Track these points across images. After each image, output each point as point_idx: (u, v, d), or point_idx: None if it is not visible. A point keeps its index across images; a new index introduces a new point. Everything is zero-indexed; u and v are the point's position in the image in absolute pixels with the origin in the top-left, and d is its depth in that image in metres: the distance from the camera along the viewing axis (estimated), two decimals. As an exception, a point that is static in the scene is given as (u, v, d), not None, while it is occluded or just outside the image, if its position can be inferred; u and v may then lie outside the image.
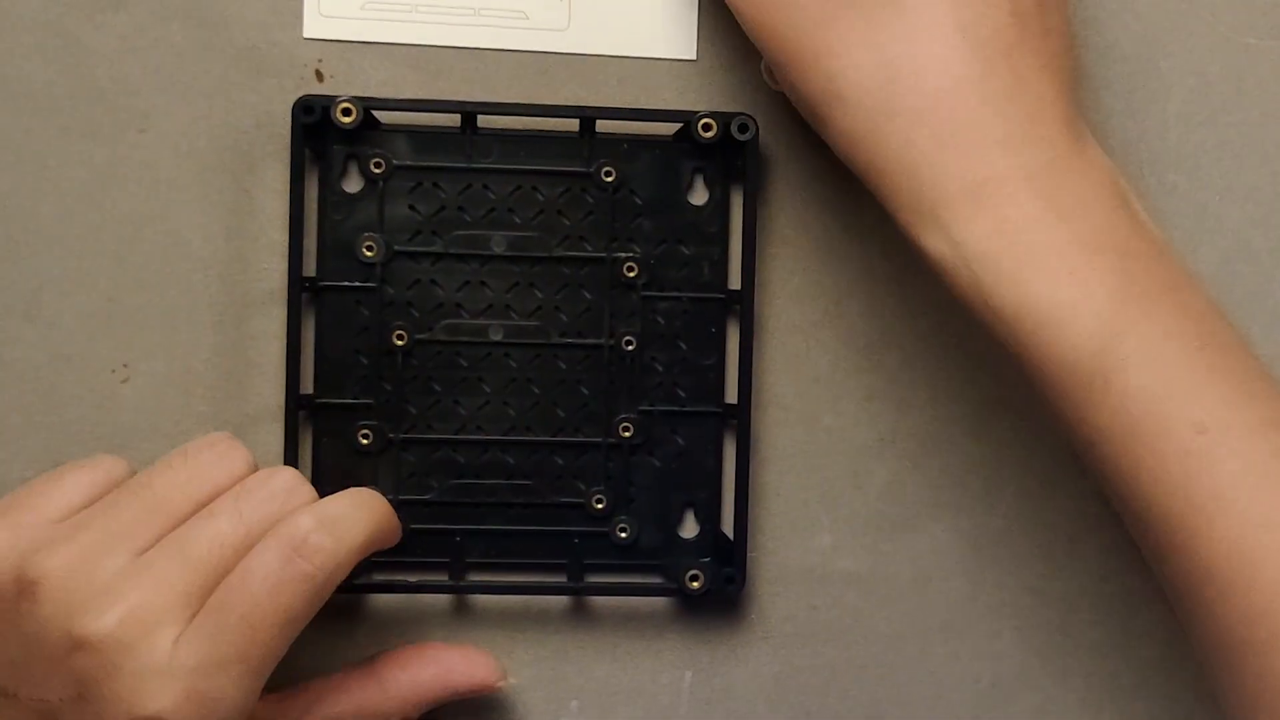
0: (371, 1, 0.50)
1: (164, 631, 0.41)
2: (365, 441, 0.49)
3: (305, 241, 0.49)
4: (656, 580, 0.51)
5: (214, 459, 0.44)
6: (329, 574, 0.42)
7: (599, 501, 0.50)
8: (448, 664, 0.48)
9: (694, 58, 0.51)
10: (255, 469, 0.45)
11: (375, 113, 0.49)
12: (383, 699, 0.47)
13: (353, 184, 0.49)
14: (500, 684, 0.48)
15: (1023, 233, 0.42)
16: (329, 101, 0.48)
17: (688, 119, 0.49)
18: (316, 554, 0.42)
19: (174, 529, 0.43)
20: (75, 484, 0.44)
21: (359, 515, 0.44)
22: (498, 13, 0.50)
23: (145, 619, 0.41)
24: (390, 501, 0.49)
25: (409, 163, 0.49)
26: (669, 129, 0.50)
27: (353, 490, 0.45)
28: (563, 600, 0.51)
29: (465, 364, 0.50)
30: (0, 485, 0.48)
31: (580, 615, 0.51)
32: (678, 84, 0.51)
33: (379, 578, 0.50)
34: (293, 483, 0.44)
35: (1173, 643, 0.52)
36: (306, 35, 0.50)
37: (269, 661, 0.42)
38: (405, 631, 0.50)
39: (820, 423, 0.52)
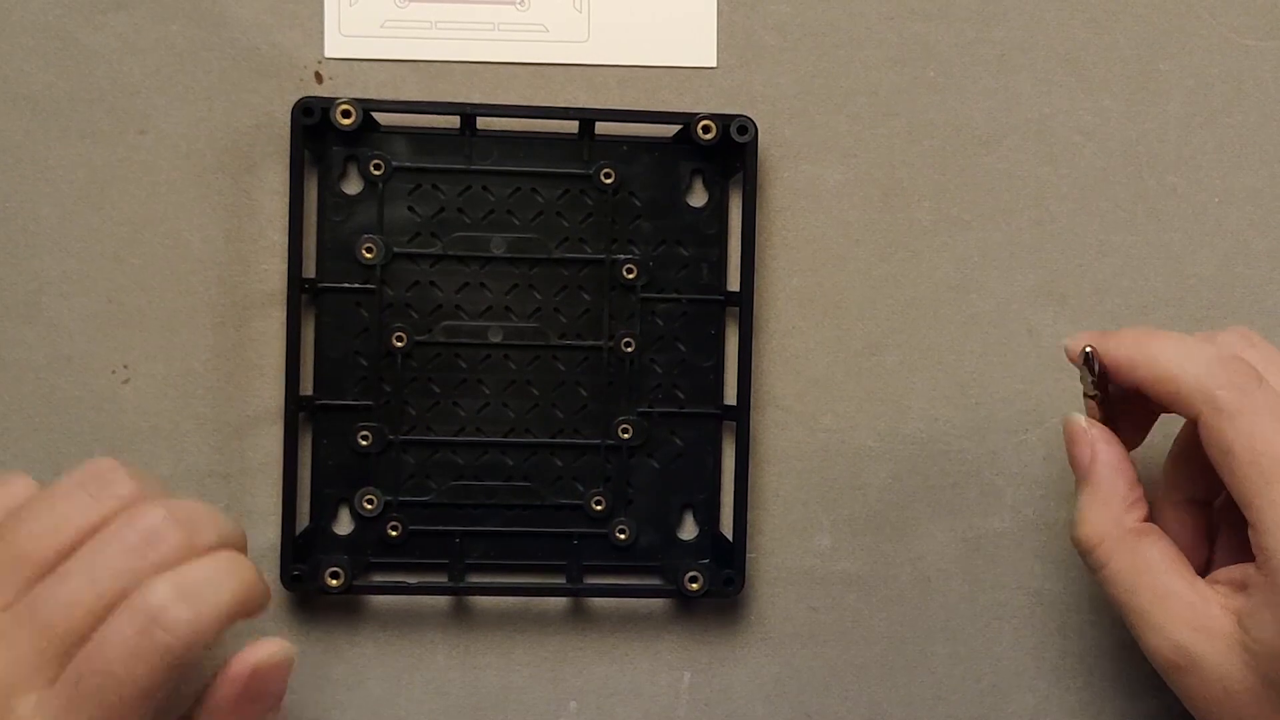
0: (391, 19, 0.50)
1: (21, 699, 0.39)
2: (365, 443, 0.49)
3: (305, 243, 0.49)
4: (655, 581, 0.51)
5: (80, 501, 0.41)
6: (187, 645, 0.39)
7: (598, 503, 0.50)
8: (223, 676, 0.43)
9: (714, 65, 0.51)
10: (135, 496, 0.42)
11: (374, 114, 0.49)
12: None
13: (352, 186, 0.49)
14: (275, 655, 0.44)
15: None
16: (328, 103, 0.48)
17: (687, 121, 0.49)
18: (175, 626, 0.39)
19: (40, 579, 0.41)
20: None
21: (222, 583, 0.41)
22: (517, 26, 0.50)
23: (10, 684, 0.39)
24: (390, 503, 0.49)
25: (408, 164, 0.49)
26: (668, 131, 0.50)
27: (218, 554, 0.41)
28: (562, 601, 0.51)
29: (465, 365, 0.50)
30: (0, 486, 0.48)
31: (579, 616, 0.51)
32: (696, 92, 0.51)
33: (379, 579, 0.50)
34: (156, 528, 0.41)
35: (1172, 644, 0.52)
36: (327, 55, 0.50)
37: None
38: (405, 632, 0.50)
39: (819, 424, 0.52)
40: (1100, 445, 0.46)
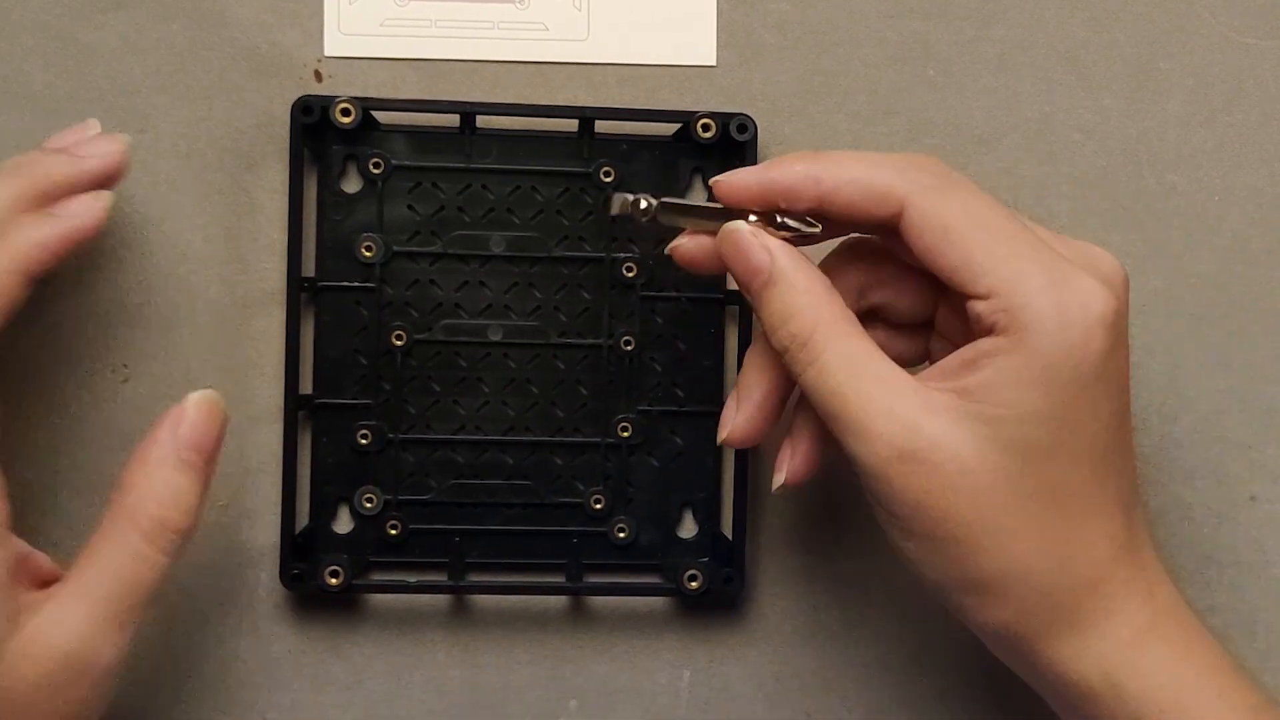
0: (391, 18, 0.50)
1: None
2: (364, 441, 0.49)
3: (304, 242, 0.49)
4: (655, 580, 0.51)
5: None
6: None
7: (598, 501, 0.50)
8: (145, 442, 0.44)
9: (714, 64, 0.51)
10: None
11: (374, 113, 0.49)
12: (129, 512, 0.42)
13: (352, 184, 0.49)
14: (195, 398, 0.44)
15: None
16: (328, 102, 0.48)
17: (686, 119, 0.49)
18: None
19: None
20: None
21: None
22: (517, 25, 0.50)
23: None
24: (390, 501, 0.49)
25: (408, 163, 0.49)
26: (668, 129, 0.50)
27: None
28: (562, 600, 0.51)
29: (464, 364, 0.50)
30: (0, 485, 0.48)
31: (579, 615, 0.51)
32: (696, 91, 0.51)
33: (379, 578, 0.50)
34: None
35: (1172, 643, 0.52)
36: (327, 54, 0.50)
37: None
38: (405, 631, 0.50)
39: (819, 423, 0.51)
40: (775, 245, 0.42)
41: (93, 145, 0.46)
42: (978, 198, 0.41)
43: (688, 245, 0.44)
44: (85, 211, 0.44)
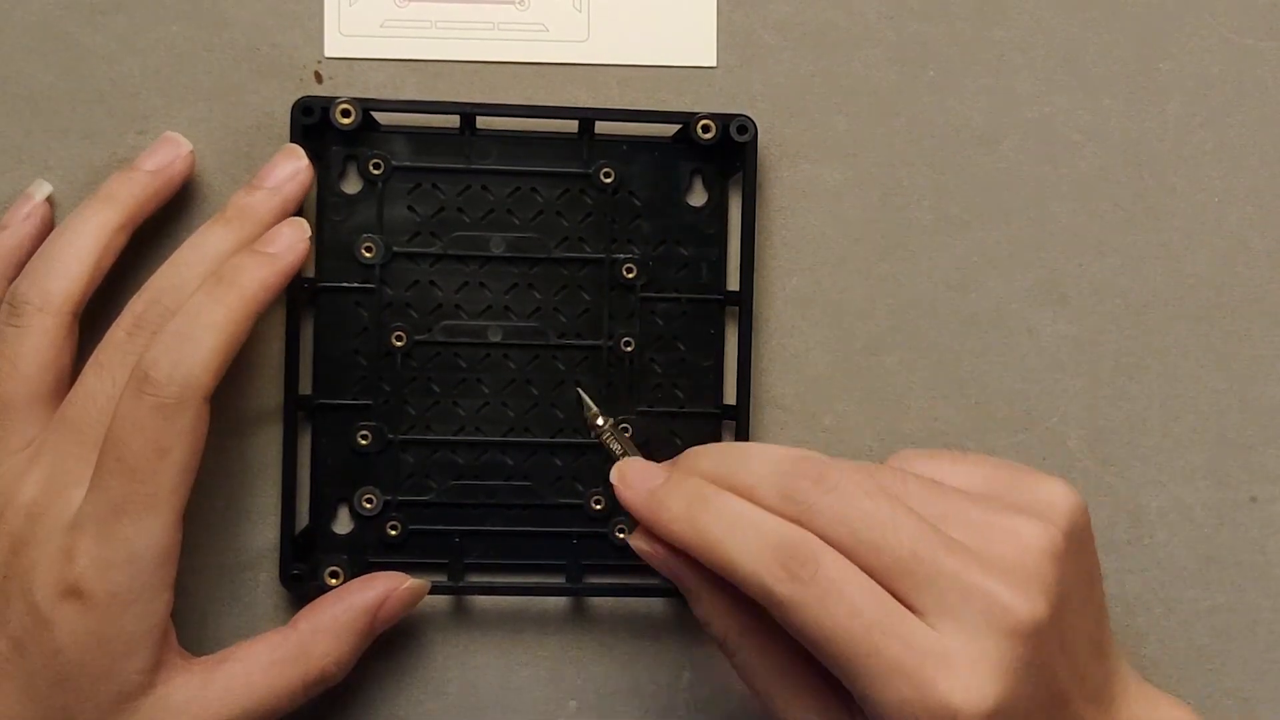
0: (391, 19, 0.50)
1: (72, 491, 0.43)
2: (364, 442, 0.49)
3: (304, 243, 0.49)
4: (655, 581, 0.51)
5: None
6: (180, 395, 0.42)
7: (598, 502, 0.50)
8: (348, 589, 0.48)
9: (714, 65, 0.51)
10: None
11: (374, 114, 0.49)
12: (303, 647, 0.46)
13: (351, 185, 0.49)
14: (405, 586, 0.48)
15: None
16: (328, 103, 0.48)
17: (686, 120, 0.49)
18: (158, 383, 0.42)
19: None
20: None
21: (200, 318, 0.43)
22: (517, 26, 0.50)
23: (52, 485, 0.43)
24: (389, 502, 0.49)
25: (408, 164, 0.49)
26: (668, 130, 0.50)
27: (200, 291, 0.44)
28: (561, 601, 0.51)
29: (464, 365, 0.50)
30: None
31: (579, 616, 0.51)
32: (696, 92, 0.51)
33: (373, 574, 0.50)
34: (140, 311, 0.45)
35: (1172, 643, 0.52)
36: (327, 54, 0.50)
37: (163, 498, 0.42)
38: (404, 631, 0.50)
39: (819, 423, 0.52)
40: (668, 562, 0.43)
41: (281, 172, 0.47)
42: (836, 603, 0.40)
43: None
44: (297, 244, 0.46)
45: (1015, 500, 0.43)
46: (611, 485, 0.44)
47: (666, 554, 0.43)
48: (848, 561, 0.40)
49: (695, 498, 0.42)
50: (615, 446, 0.46)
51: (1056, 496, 0.43)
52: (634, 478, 0.44)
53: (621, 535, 0.50)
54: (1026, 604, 0.40)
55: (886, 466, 0.44)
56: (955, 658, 0.39)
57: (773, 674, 0.43)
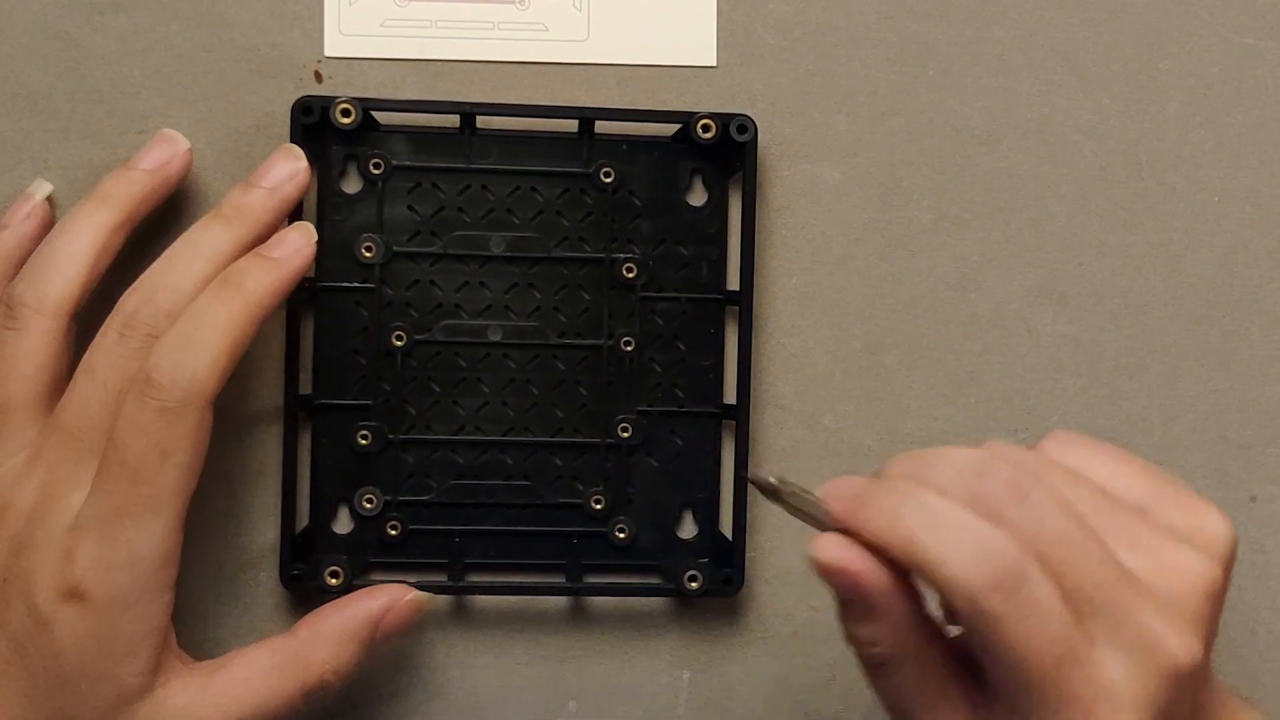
0: (391, 19, 0.50)
1: (71, 496, 0.43)
2: (364, 442, 0.49)
3: (304, 242, 0.49)
4: (655, 580, 0.51)
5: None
6: (183, 399, 0.42)
7: (597, 502, 0.50)
8: (352, 598, 0.47)
9: (714, 64, 0.51)
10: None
11: (374, 113, 0.49)
12: (303, 655, 0.46)
13: (352, 185, 0.49)
14: (409, 598, 0.48)
15: None
16: (328, 102, 0.48)
17: (686, 120, 0.49)
18: (161, 386, 0.42)
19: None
20: None
21: (205, 319, 0.43)
22: (517, 25, 0.50)
23: (51, 489, 0.43)
24: (389, 502, 0.49)
25: (408, 163, 0.49)
26: (668, 130, 0.50)
27: (204, 293, 0.44)
28: (561, 601, 0.51)
29: (464, 364, 0.50)
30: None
31: (579, 616, 0.51)
32: (696, 91, 0.51)
33: (378, 579, 0.50)
34: (134, 310, 0.44)
35: (1172, 643, 0.52)
36: (327, 54, 0.50)
37: (165, 501, 0.42)
38: (404, 631, 0.50)
39: (819, 423, 0.52)
40: (863, 573, 0.40)
41: (279, 171, 0.47)
42: (1039, 625, 0.39)
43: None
44: (303, 249, 0.46)
45: (1180, 523, 0.41)
46: (816, 501, 0.41)
47: (859, 565, 0.40)
48: (1049, 581, 0.39)
49: (899, 495, 0.40)
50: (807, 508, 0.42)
51: (1220, 528, 0.42)
52: (840, 488, 0.41)
53: (621, 535, 0.50)
54: (1188, 650, 0.39)
55: (1058, 463, 0.42)
56: (1121, 697, 0.38)
57: (923, 695, 0.41)
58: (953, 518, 0.39)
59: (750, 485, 0.44)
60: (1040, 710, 0.39)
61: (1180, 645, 0.39)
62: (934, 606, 0.41)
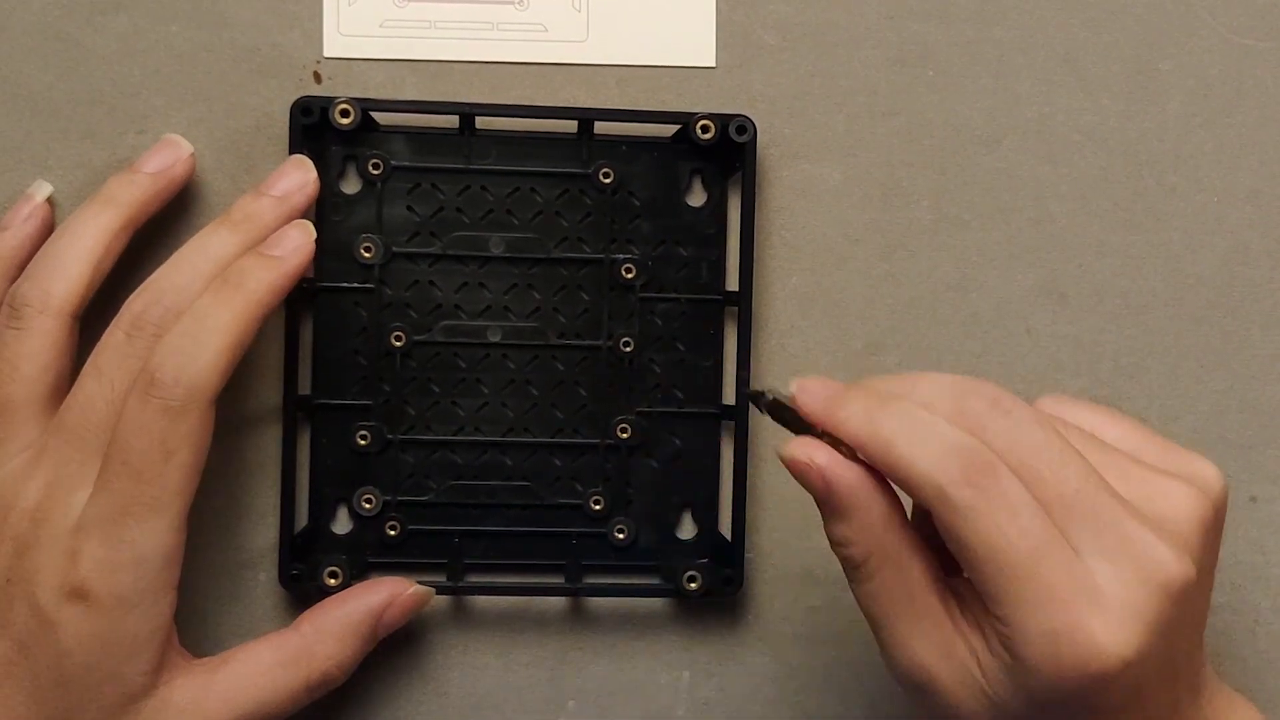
0: (390, 19, 0.50)
1: (75, 495, 0.43)
2: (364, 442, 0.49)
3: (304, 243, 0.49)
4: (654, 581, 0.51)
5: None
6: (186, 397, 0.42)
7: (597, 503, 0.50)
8: (352, 593, 0.48)
9: (713, 65, 0.51)
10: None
11: (373, 114, 0.49)
12: (306, 649, 0.46)
13: (351, 185, 0.49)
14: (410, 591, 0.48)
15: None
16: (327, 103, 0.48)
17: (686, 120, 0.49)
18: (164, 386, 0.42)
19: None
20: None
21: (207, 319, 0.43)
22: (516, 26, 0.50)
23: (54, 489, 0.43)
24: (389, 502, 0.49)
25: (407, 164, 0.49)
26: (667, 131, 0.50)
27: (205, 293, 0.44)
28: (561, 601, 0.51)
29: (464, 365, 0.50)
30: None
31: (578, 616, 0.51)
32: (695, 92, 0.51)
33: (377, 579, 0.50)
34: (139, 312, 0.44)
35: (1172, 644, 0.52)
36: (326, 54, 0.50)
37: (168, 500, 0.43)
38: (403, 632, 0.50)
39: (819, 424, 0.51)
40: (830, 468, 0.41)
41: (289, 181, 0.47)
42: (1008, 518, 0.40)
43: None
44: (303, 247, 0.46)
45: (1171, 466, 0.42)
46: (789, 399, 0.42)
47: (827, 461, 0.41)
48: (1021, 485, 0.39)
49: (875, 398, 0.41)
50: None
51: (1209, 473, 0.42)
52: (813, 385, 0.42)
53: (621, 535, 0.50)
54: (1179, 564, 0.39)
55: (1049, 412, 0.43)
56: (1109, 599, 0.39)
57: (902, 604, 0.41)
58: (928, 422, 0.40)
59: (748, 401, 0.45)
60: (1019, 607, 0.39)
61: (1172, 560, 0.39)
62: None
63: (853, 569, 0.42)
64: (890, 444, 0.40)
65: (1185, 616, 0.40)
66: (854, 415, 0.41)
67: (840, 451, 0.41)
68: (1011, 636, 0.39)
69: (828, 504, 0.41)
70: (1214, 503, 0.41)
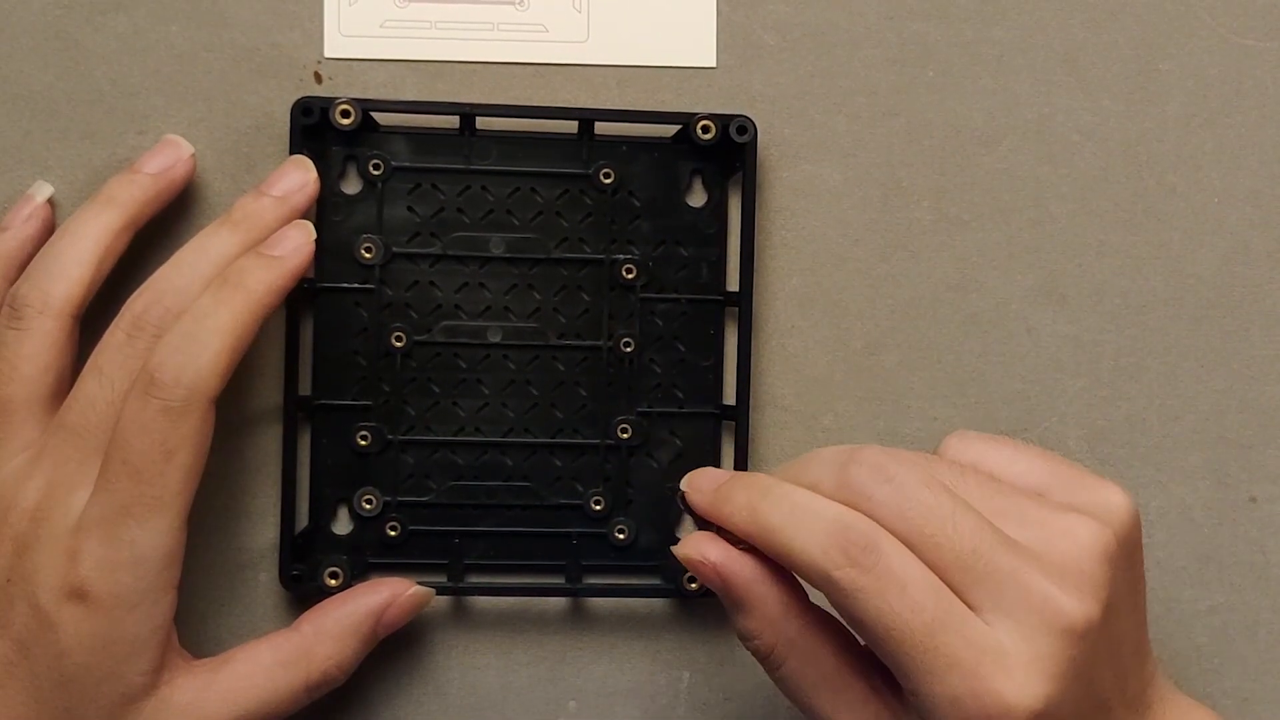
0: (391, 19, 0.50)
1: (75, 495, 0.43)
2: (364, 443, 0.49)
3: (304, 243, 0.49)
4: (654, 581, 0.51)
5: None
6: (186, 398, 0.42)
7: (597, 503, 0.50)
8: (353, 593, 0.48)
9: (714, 65, 0.51)
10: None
11: (374, 114, 0.49)
12: (306, 650, 0.46)
13: (351, 185, 0.49)
14: (410, 592, 0.48)
15: None
16: (328, 103, 0.48)
17: (686, 121, 0.49)
18: (165, 386, 0.42)
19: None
20: None
21: (207, 318, 0.43)
22: (516, 26, 0.50)
23: (54, 489, 0.43)
24: (389, 503, 0.49)
25: (408, 164, 0.49)
26: (668, 131, 0.50)
27: (206, 292, 0.44)
28: (561, 601, 0.51)
29: (464, 365, 0.50)
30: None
31: (578, 616, 0.51)
32: (696, 92, 0.51)
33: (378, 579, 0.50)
34: (140, 312, 0.44)
35: (1172, 641, 0.52)
36: (327, 55, 0.50)
37: (169, 500, 0.42)
38: (403, 632, 0.50)
39: (818, 424, 0.52)
40: (724, 564, 0.41)
41: (290, 181, 0.47)
42: (896, 593, 0.39)
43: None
44: (303, 247, 0.45)
45: (1072, 500, 0.42)
46: (680, 493, 0.43)
47: (720, 559, 0.41)
48: (908, 552, 0.40)
49: (757, 488, 0.41)
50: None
51: (1113, 500, 0.42)
52: (701, 480, 0.43)
53: (621, 535, 0.50)
54: (1080, 606, 0.40)
55: (944, 458, 0.43)
56: (1011, 656, 0.39)
57: (819, 685, 0.42)
58: (807, 505, 0.40)
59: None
60: (924, 678, 0.39)
61: (1070, 603, 0.39)
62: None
63: (762, 659, 0.43)
64: (773, 532, 0.40)
65: (1100, 652, 0.41)
66: (739, 508, 0.41)
67: (739, 545, 0.41)
68: (921, 705, 0.39)
69: (726, 599, 0.42)
70: (1116, 532, 0.41)
